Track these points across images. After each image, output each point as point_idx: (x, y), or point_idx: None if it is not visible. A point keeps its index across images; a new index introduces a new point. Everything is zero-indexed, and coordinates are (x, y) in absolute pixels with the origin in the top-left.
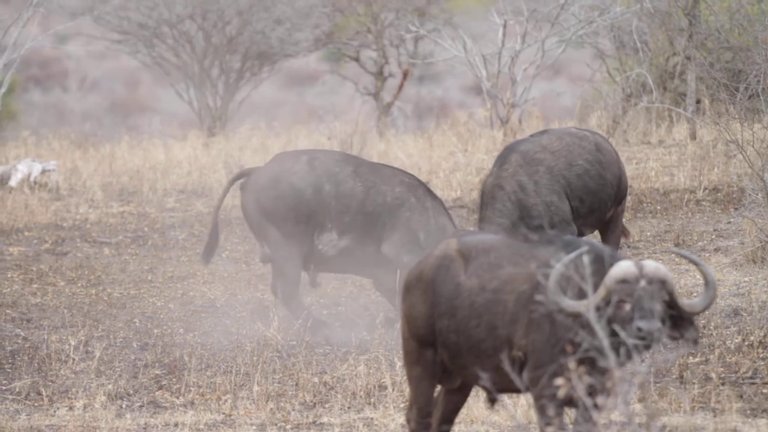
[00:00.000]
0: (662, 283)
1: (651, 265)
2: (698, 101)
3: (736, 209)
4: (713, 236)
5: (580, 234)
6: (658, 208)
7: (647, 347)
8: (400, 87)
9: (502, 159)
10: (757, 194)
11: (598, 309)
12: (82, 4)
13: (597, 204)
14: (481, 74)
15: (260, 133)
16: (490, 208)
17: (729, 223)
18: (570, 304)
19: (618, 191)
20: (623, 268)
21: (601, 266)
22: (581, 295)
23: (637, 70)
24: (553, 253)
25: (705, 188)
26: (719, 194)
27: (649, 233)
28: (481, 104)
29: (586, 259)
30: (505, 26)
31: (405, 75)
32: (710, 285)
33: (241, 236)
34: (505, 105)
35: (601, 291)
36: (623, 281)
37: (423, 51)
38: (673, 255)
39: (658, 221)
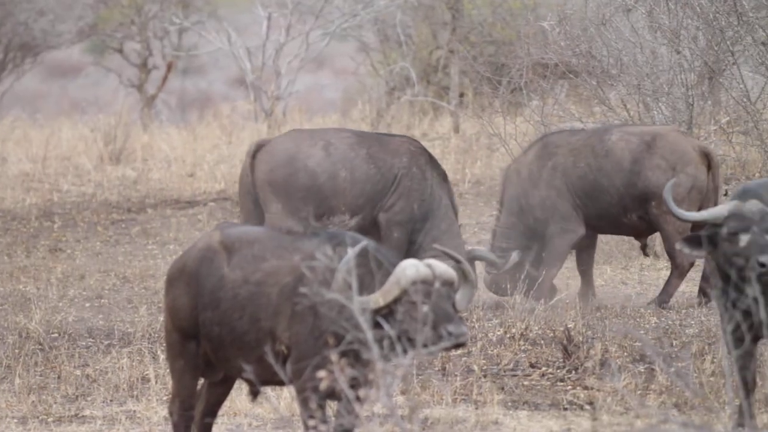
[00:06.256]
0: (451, 285)
1: (440, 266)
2: (461, 95)
3: (498, 202)
4: (476, 229)
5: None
6: None
7: (455, 348)
8: (164, 79)
9: (529, 146)
10: None
11: (385, 308)
12: None
13: (603, 209)
14: (245, 67)
15: (23, 125)
16: (507, 193)
17: (492, 216)
18: (361, 300)
19: (634, 198)
20: (417, 268)
21: (365, 260)
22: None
23: (401, 64)
24: (318, 245)
25: (468, 181)
26: (482, 187)
27: None
28: (245, 97)
29: (351, 252)
30: (269, 19)
31: (169, 67)
32: (469, 282)
33: (3, 228)
34: (270, 98)
35: (395, 290)
36: (418, 282)
37: (187, 43)
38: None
39: None
